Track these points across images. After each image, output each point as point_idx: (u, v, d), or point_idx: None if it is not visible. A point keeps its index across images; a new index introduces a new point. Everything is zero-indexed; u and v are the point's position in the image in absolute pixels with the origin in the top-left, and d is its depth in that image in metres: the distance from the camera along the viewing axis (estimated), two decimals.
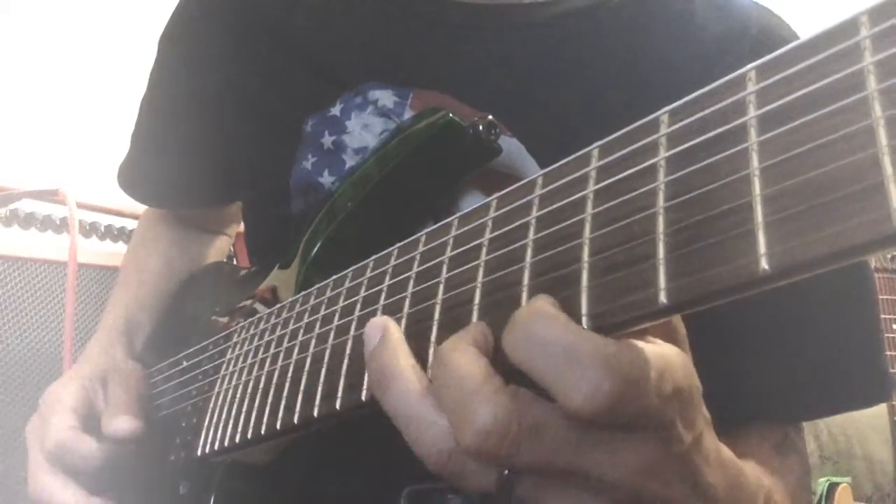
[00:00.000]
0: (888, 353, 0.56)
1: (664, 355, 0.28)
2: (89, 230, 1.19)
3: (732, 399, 0.55)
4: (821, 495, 2.10)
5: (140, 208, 0.93)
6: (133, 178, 0.84)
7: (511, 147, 0.55)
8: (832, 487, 2.12)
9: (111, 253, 1.19)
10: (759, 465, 0.45)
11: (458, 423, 0.29)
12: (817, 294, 0.52)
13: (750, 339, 0.53)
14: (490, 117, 0.52)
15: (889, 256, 2.07)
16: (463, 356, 0.30)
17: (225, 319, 0.67)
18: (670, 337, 0.32)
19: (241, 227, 0.86)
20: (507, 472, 0.29)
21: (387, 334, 0.34)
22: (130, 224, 1.24)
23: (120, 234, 1.23)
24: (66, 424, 0.61)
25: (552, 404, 0.28)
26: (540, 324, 0.28)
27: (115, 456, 0.60)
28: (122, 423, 0.60)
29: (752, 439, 0.54)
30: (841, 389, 0.54)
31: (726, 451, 0.34)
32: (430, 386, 0.31)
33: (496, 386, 0.29)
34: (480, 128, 0.52)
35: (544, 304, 0.28)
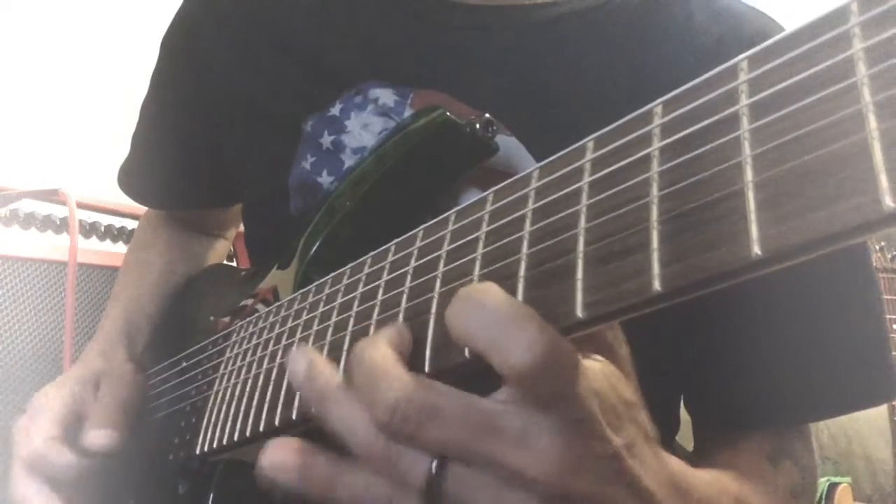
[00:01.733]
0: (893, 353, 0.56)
1: (589, 364, 0.30)
2: (89, 230, 1.19)
3: (736, 401, 0.56)
4: (821, 495, 2.10)
5: (140, 209, 0.93)
6: (133, 179, 0.84)
7: (510, 146, 0.55)
8: (832, 487, 2.12)
9: (111, 253, 1.19)
10: (739, 472, 0.45)
11: (371, 405, 0.31)
12: (822, 295, 0.52)
13: (755, 340, 0.53)
14: (487, 115, 0.52)
15: (889, 256, 2.07)
16: (374, 349, 0.33)
17: (226, 320, 0.67)
18: (608, 355, 0.33)
19: (241, 228, 0.86)
20: (434, 463, 0.31)
21: (313, 359, 0.37)
22: (130, 224, 1.24)
23: (120, 234, 1.23)
24: (46, 434, 0.60)
25: (457, 390, 0.31)
26: (479, 293, 0.29)
27: (95, 466, 0.60)
28: (97, 437, 0.60)
29: (743, 446, 0.54)
30: (846, 390, 0.54)
31: (672, 460, 0.35)
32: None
33: (401, 371, 0.32)
34: (477, 126, 0.52)
35: (486, 283, 0.30)
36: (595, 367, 0.31)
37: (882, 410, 2.22)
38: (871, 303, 0.56)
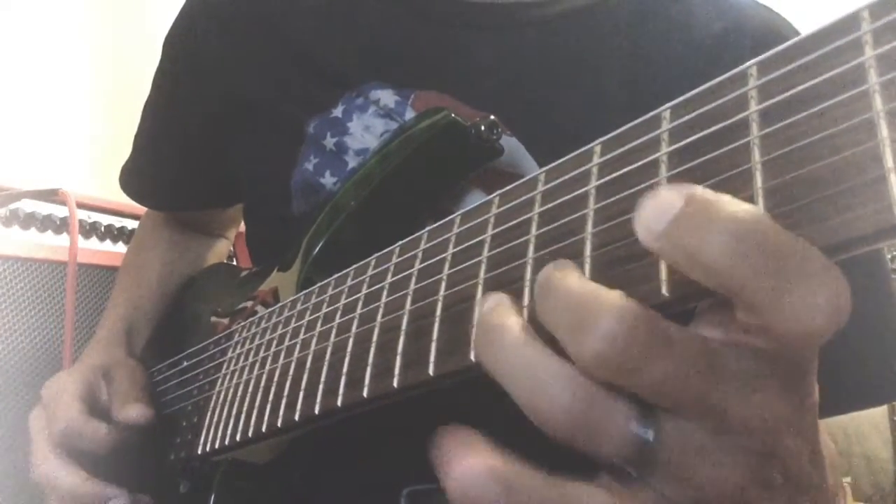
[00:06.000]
0: None
1: None
2: (89, 230, 1.19)
3: None
4: None
5: (140, 209, 0.93)
6: (135, 180, 0.84)
7: (512, 146, 0.55)
8: None
9: (111, 253, 1.19)
10: None
11: (578, 337, 0.24)
12: None
13: None
14: (492, 117, 0.52)
15: (889, 257, 2.07)
16: (569, 275, 0.26)
17: (226, 321, 0.67)
18: None
19: (242, 228, 0.86)
20: (642, 419, 0.25)
21: (500, 300, 0.30)
22: (130, 224, 1.24)
23: (120, 234, 1.22)
24: (76, 409, 0.62)
25: (686, 327, 0.25)
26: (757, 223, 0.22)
27: (122, 443, 0.61)
28: (134, 410, 0.61)
29: None
30: (850, 388, 0.54)
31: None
32: (536, 331, 0.27)
33: (616, 295, 0.24)
34: (482, 128, 0.52)
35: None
36: None
37: (882, 410, 2.22)
38: (879, 301, 0.56)
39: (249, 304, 0.64)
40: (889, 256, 2.04)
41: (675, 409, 0.24)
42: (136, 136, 0.83)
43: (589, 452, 0.25)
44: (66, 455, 0.61)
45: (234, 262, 1.25)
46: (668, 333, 0.24)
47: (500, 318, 0.28)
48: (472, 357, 0.31)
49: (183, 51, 0.73)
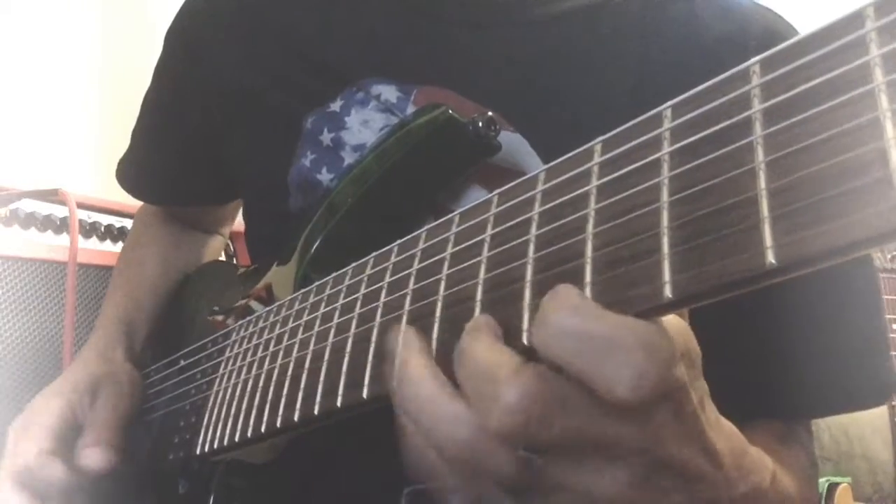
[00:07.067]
0: (892, 353, 0.55)
1: (669, 324, 0.28)
2: (89, 230, 1.18)
3: (738, 396, 0.55)
4: (821, 495, 2.10)
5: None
6: (131, 173, 0.84)
7: (513, 141, 0.55)
8: (832, 487, 2.12)
9: (111, 253, 1.19)
10: (765, 451, 0.44)
11: (485, 407, 0.28)
12: (823, 294, 0.52)
13: (756, 337, 0.53)
14: (490, 113, 0.52)
15: (889, 257, 2.07)
16: (483, 345, 0.30)
17: (220, 318, 0.67)
18: None
19: (242, 227, 0.85)
20: (525, 454, 0.29)
21: (408, 336, 0.34)
22: (130, 224, 1.23)
23: (120, 234, 1.22)
24: (38, 447, 0.59)
25: (572, 380, 0.28)
26: (573, 317, 0.27)
27: (84, 482, 0.59)
28: (92, 456, 0.59)
29: (757, 430, 0.54)
30: (846, 389, 0.54)
31: (726, 421, 0.34)
32: (445, 380, 0.31)
33: (518, 365, 0.28)
34: (480, 124, 0.52)
35: (570, 293, 0.28)
36: (677, 325, 0.29)
37: (882, 410, 2.22)
38: (871, 303, 0.56)
39: (244, 301, 0.63)
40: (889, 256, 2.04)
41: (568, 450, 0.28)
42: (135, 130, 0.83)
43: (477, 476, 0.30)
44: (21, 488, 0.59)
45: (234, 261, 1.25)
46: (564, 395, 0.27)
47: (412, 357, 0.33)
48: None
49: (183, 44, 0.73)
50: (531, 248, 0.31)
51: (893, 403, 2.13)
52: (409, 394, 0.32)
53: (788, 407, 0.54)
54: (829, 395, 0.54)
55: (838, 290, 0.53)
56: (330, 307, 0.45)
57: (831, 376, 0.53)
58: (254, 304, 0.62)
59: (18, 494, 0.59)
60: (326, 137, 0.60)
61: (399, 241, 0.41)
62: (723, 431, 0.32)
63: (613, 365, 0.26)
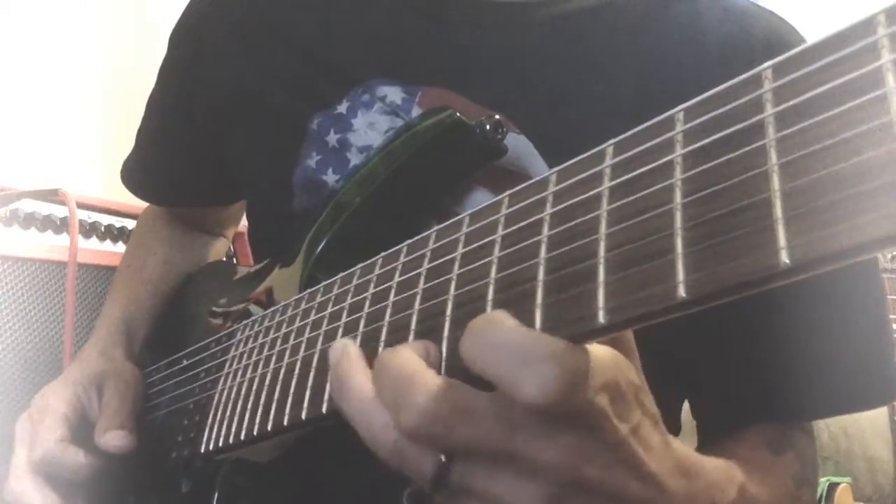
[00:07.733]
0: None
1: (594, 353, 0.30)
2: (89, 230, 1.18)
3: (739, 397, 0.56)
4: (821, 495, 2.11)
5: (140, 208, 0.93)
6: (136, 173, 0.84)
7: (519, 144, 0.55)
8: (832, 487, 2.13)
9: (111, 253, 1.19)
10: (742, 461, 0.45)
11: (398, 411, 0.32)
12: (827, 294, 0.52)
13: (759, 337, 0.54)
14: (497, 116, 0.52)
15: (889, 257, 2.08)
16: (399, 356, 0.34)
17: (219, 321, 0.67)
18: (613, 339, 0.34)
19: (244, 228, 0.85)
20: (442, 458, 0.32)
21: (346, 351, 0.37)
22: (130, 224, 1.23)
23: (120, 234, 1.22)
24: (55, 435, 0.61)
25: (484, 392, 0.31)
26: (491, 327, 0.30)
27: (103, 470, 0.60)
28: (113, 438, 0.60)
29: (746, 435, 0.54)
30: (849, 390, 0.54)
31: (678, 444, 0.35)
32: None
33: (430, 376, 0.32)
34: (487, 127, 0.52)
35: (498, 313, 0.31)
36: (603, 356, 0.31)
37: (882, 410, 2.23)
38: (875, 302, 0.56)
39: (243, 305, 0.64)
40: (889, 256, 2.04)
41: (477, 456, 0.31)
42: (139, 131, 0.83)
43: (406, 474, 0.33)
44: (42, 479, 0.60)
45: (234, 261, 1.25)
46: (469, 403, 0.31)
47: (350, 371, 0.36)
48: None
49: (188, 44, 0.73)
50: (543, 248, 0.32)
51: (894, 403, 2.13)
52: (350, 406, 0.35)
53: (790, 408, 0.55)
54: (832, 395, 0.54)
55: (842, 289, 0.53)
56: (337, 307, 0.45)
57: (835, 376, 0.54)
58: (253, 308, 0.62)
59: (33, 481, 0.60)
60: (333, 139, 0.60)
61: (408, 242, 0.41)
62: (670, 455, 0.34)
63: (525, 372, 0.28)
